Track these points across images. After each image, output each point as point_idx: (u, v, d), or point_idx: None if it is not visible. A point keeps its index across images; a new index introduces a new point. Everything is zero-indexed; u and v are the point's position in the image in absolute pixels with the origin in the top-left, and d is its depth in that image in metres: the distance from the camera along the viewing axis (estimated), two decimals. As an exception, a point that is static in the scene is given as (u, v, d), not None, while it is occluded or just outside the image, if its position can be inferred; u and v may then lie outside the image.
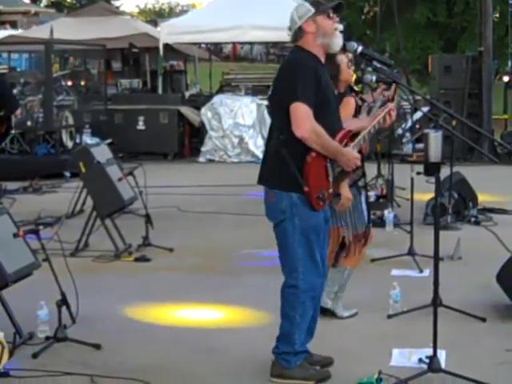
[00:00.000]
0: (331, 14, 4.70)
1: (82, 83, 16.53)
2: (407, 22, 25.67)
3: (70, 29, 18.14)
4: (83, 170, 8.25)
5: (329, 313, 5.92)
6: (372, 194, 9.90)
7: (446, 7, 26.73)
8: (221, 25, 16.43)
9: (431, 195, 8.63)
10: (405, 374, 4.77)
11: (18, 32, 23.81)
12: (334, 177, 4.70)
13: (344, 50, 4.94)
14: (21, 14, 35.05)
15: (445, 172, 8.47)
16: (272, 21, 15.38)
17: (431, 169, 7.96)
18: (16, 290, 5.54)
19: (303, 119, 4.50)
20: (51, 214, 9.63)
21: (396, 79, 5.18)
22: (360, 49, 4.83)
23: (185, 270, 7.60)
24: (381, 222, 9.09)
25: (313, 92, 4.54)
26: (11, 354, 5.01)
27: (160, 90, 17.58)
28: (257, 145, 15.66)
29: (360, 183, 5.91)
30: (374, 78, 5.56)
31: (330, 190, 4.70)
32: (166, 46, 17.14)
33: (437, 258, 4.87)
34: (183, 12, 44.76)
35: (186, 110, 16.24)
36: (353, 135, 4.87)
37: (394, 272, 7.30)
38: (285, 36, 4.89)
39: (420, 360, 4.96)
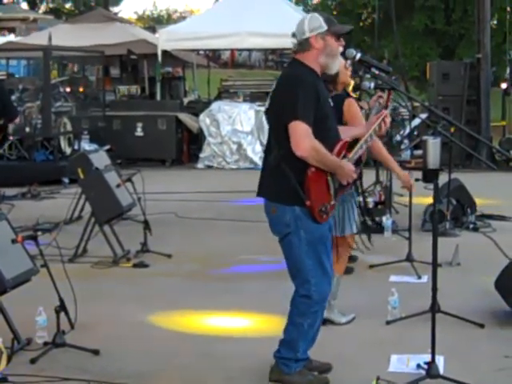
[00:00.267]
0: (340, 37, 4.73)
1: (81, 90, 16.54)
2: (405, 29, 25.75)
3: (68, 35, 18.15)
4: (81, 176, 8.26)
5: (327, 322, 5.91)
6: (370, 201, 9.90)
7: (444, 14, 26.81)
8: (219, 31, 16.44)
9: (429, 201, 8.65)
10: (403, 379, 4.78)
11: (17, 38, 23.85)
12: (335, 189, 4.70)
13: (343, 56, 4.95)
14: (19, 21, 35.04)
15: (443, 179, 8.47)
16: (270, 27, 15.42)
17: (429, 175, 7.98)
18: (14, 296, 5.53)
19: (303, 138, 4.47)
20: (49, 220, 9.63)
21: (394, 86, 5.20)
22: (358, 56, 4.84)
23: (183, 276, 7.60)
24: (379, 229, 9.10)
25: (312, 109, 4.52)
26: (9, 359, 5.00)
27: (158, 97, 17.59)
28: (255, 151, 15.67)
29: (356, 186, 5.91)
30: (372, 84, 5.57)
31: (332, 203, 4.69)
32: (165, 52, 17.15)
33: (435, 264, 4.87)
34: (181, 18, 44.77)
35: (185, 117, 16.25)
36: (350, 145, 4.87)
37: (393, 278, 7.29)
38: (283, 43, 4.91)
39: (418, 366, 4.95)
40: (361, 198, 7.14)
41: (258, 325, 6.12)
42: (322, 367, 5.00)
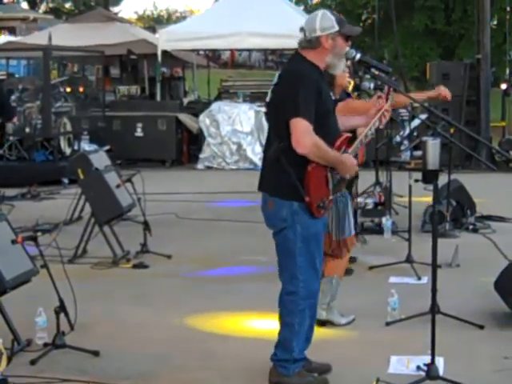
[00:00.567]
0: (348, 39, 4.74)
1: (81, 90, 16.54)
2: (405, 30, 25.73)
3: (68, 35, 18.14)
4: (81, 176, 8.26)
5: (327, 323, 5.91)
6: (370, 202, 9.91)
7: (444, 15, 26.80)
8: (219, 31, 16.43)
9: (429, 202, 8.65)
10: (403, 381, 4.78)
11: (17, 38, 23.85)
12: (334, 184, 4.70)
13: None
14: (19, 21, 35.08)
15: (443, 179, 8.47)
16: (270, 28, 15.38)
17: (429, 176, 7.98)
18: (14, 297, 5.54)
19: (304, 135, 4.47)
20: (49, 220, 9.63)
21: (394, 86, 5.19)
22: (358, 56, 4.83)
23: (183, 277, 7.60)
24: (379, 230, 9.10)
25: (314, 105, 4.52)
26: (9, 360, 4.99)
27: (158, 97, 17.59)
28: (255, 152, 15.66)
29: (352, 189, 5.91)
30: (371, 85, 5.58)
31: (330, 197, 4.70)
32: (165, 52, 17.15)
33: (435, 266, 4.87)
34: (181, 18, 44.77)
35: (184, 117, 16.25)
36: (350, 139, 4.86)
37: (392, 279, 7.29)
38: (283, 43, 4.91)
39: (418, 367, 4.95)
40: (359, 199, 7.14)
41: (257, 325, 6.11)
42: (322, 368, 5.00)
